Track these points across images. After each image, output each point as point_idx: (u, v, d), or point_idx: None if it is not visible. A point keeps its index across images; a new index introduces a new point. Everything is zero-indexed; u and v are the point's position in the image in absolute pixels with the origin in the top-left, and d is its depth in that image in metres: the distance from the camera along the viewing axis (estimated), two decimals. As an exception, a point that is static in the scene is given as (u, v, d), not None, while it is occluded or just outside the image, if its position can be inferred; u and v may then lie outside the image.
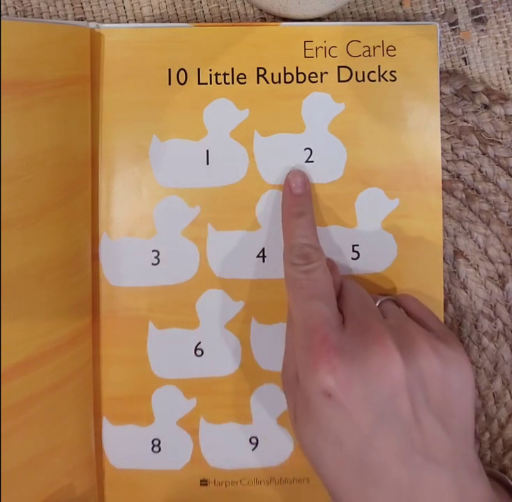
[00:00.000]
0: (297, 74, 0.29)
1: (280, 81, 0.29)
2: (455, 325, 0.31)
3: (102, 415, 0.29)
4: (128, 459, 0.29)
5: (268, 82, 0.29)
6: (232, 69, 0.29)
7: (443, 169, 0.31)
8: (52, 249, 0.27)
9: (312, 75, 0.29)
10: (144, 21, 0.31)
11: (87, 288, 0.28)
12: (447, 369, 0.23)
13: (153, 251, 0.29)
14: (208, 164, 0.29)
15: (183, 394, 0.29)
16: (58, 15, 0.31)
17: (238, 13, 0.31)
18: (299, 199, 0.28)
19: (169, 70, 0.29)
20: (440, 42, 0.31)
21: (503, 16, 0.32)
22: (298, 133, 0.30)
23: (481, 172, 0.31)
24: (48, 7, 0.30)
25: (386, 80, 0.29)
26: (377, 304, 0.26)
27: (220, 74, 0.29)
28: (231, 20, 0.31)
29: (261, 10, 0.31)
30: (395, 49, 0.29)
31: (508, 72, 0.32)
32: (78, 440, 0.28)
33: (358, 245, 0.30)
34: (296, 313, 0.25)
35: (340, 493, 0.23)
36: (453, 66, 0.32)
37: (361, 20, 0.31)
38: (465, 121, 0.31)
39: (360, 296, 0.26)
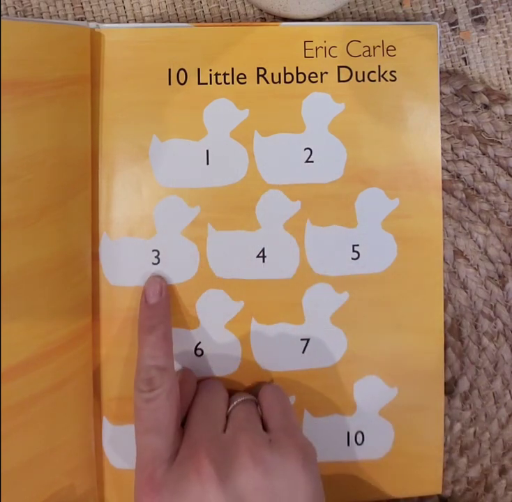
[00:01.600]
0: (297, 74, 0.29)
1: (280, 81, 0.29)
2: (455, 325, 0.31)
3: (102, 415, 0.29)
4: (128, 460, 0.29)
5: (268, 82, 0.29)
6: (232, 69, 0.29)
7: (443, 169, 0.31)
8: (52, 249, 0.27)
9: (312, 75, 0.29)
10: (144, 21, 0.31)
11: (87, 289, 0.28)
12: (270, 478, 0.23)
13: (153, 251, 0.29)
14: (208, 164, 0.29)
15: (183, 394, 0.29)
16: (58, 15, 0.31)
17: (238, 13, 0.31)
18: (152, 311, 0.28)
19: (169, 70, 0.29)
20: (440, 42, 0.31)
21: (503, 16, 0.32)
22: (298, 133, 0.30)
23: (481, 172, 0.31)
24: (48, 7, 0.30)
25: (386, 80, 0.29)
26: (230, 409, 0.27)
27: (220, 74, 0.29)
28: (231, 20, 0.31)
29: (261, 10, 0.31)
30: (395, 49, 0.29)
31: (508, 72, 0.32)
32: (78, 441, 0.28)
33: (358, 245, 0.30)
34: (137, 445, 0.25)
35: None
36: (453, 66, 0.32)
37: (361, 20, 0.31)
38: (465, 121, 0.31)
39: (205, 410, 0.26)
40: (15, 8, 0.30)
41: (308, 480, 0.23)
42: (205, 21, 0.31)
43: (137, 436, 0.25)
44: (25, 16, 0.30)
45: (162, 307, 0.28)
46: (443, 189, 0.30)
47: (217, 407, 0.26)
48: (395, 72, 0.29)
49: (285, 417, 0.26)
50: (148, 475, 0.24)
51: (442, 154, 0.30)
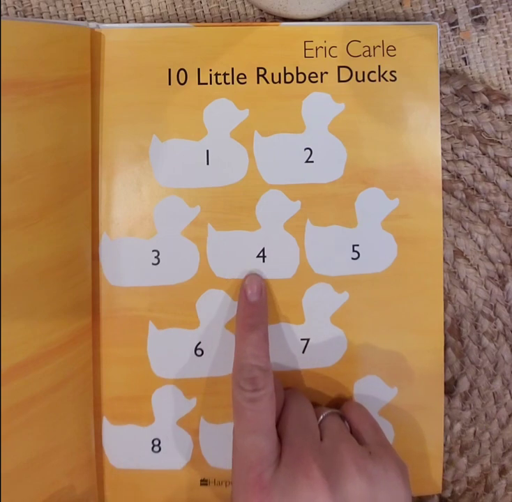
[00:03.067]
0: (297, 74, 0.29)
1: (280, 81, 0.29)
2: (455, 325, 0.31)
3: (102, 415, 0.29)
4: (128, 459, 0.29)
5: (268, 82, 0.29)
6: (232, 69, 0.29)
7: (443, 169, 0.31)
8: (52, 249, 0.27)
9: (312, 75, 0.29)
10: (144, 21, 0.31)
11: (87, 289, 0.28)
12: (375, 489, 0.23)
13: (153, 251, 0.29)
14: (208, 164, 0.29)
15: (183, 394, 0.29)
16: (58, 15, 0.31)
17: (238, 13, 0.31)
18: (254, 309, 0.28)
19: (169, 70, 0.29)
20: (440, 42, 0.31)
21: (503, 16, 0.32)
22: (298, 133, 0.30)
23: (481, 172, 0.31)
24: (48, 7, 0.30)
25: (386, 80, 0.29)
26: (320, 420, 0.27)
27: (220, 74, 0.29)
28: (231, 20, 0.31)
29: (261, 10, 0.31)
30: (395, 49, 0.29)
31: (508, 72, 0.32)
32: (78, 441, 0.28)
33: (358, 245, 0.30)
34: (237, 444, 0.25)
35: None
36: (453, 66, 0.32)
37: (361, 20, 0.31)
38: (465, 121, 0.31)
39: (300, 418, 0.26)
40: (15, 8, 0.30)
41: (407, 495, 0.24)
42: (205, 21, 0.31)
43: (239, 435, 0.25)
44: (25, 16, 0.30)
45: (263, 306, 0.28)
46: (444, 189, 0.30)
47: (310, 416, 0.27)
48: (395, 72, 0.29)
49: (378, 433, 0.26)
50: (256, 476, 0.24)
51: (442, 154, 0.30)
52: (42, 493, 0.27)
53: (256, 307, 0.28)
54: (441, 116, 0.30)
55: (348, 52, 0.29)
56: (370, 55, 0.29)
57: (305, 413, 0.27)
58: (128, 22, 0.31)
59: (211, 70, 0.29)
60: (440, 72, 0.30)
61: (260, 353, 0.26)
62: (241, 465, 0.25)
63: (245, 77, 0.29)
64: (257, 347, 0.26)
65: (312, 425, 0.26)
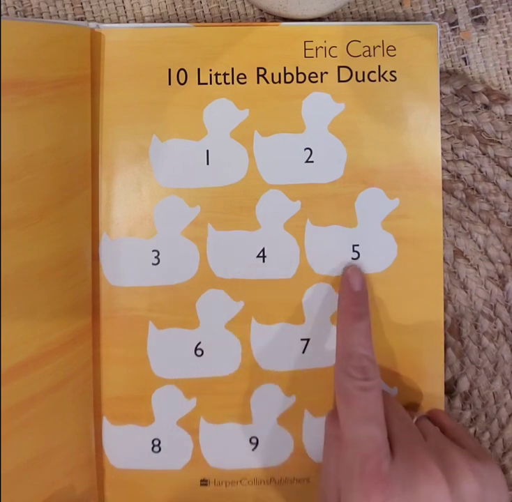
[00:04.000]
0: (297, 74, 0.29)
1: (280, 81, 0.29)
2: (455, 325, 0.31)
3: (102, 415, 0.29)
4: (128, 459, 0.29)
5: (268, 82, 0.29)
6: (232, 69, 0.29)
7: (443, 169, 0.31)
8: (52, 249, 0.27)
9: (312, 75, 0.29)
10: (144, 21, 0.31)
11: (87, 289, 0.28)
12: (485, 489, 0.24)
13: (153, 251, 0.29)
14: (208, 164, 0.29)
15: (183, 394, 0.29)
16: (58, 15, 0.31)
17: (238, 13, 0.31)
18: (359, 298, 0.28)
19: (169, 70, 0.29)
20: (440, 42, 0.31)
21: (503, 16, 0.32)
22: (298, 133, 0.30)
23: (481, 172, 0.31)
24: (48, 7, 0.30)
25: (386, 80, 0.29)
26: (414, 420, 0.27)
27: (220, 74, 0.29)
28: (231, 20, 0.31)
29: (261, 10, 0.31)
30: (395, 49, 0.29)
31: (508, 72, 0.32)
32: (78, 441, 0.28)
33: (358, 245, 0.30)
34: (349, 433, 0.25)
35: None
36: (453, 66, 0.32)
37: (361, 20, 0.31)
38: (465, 121, 0.31)
39: (402, 417, 0.26)
40: (15, 8, 0.30)
41: (509, 499, 0.25)
42: (205, 21, 0.31)
43: (350, 424, 0.25)
44: (25, 16, 0.30)
45: (366, 296, 0.28)
46: (444, 189, 0.30)
47: (408, 416, 0.27)
48: (395, 72, 0.29)
49: (474, 440, 0.26)
50: (374, 466, 0.23)
51: (442, 154, 0.30)
52: (42, 493, 0.27)
53: (361, 297, 0.28)
54: (441, 116, 0.30)
55: (348, 52, 0.29)
56: (370, 55, 0.29)
57: (403, 412, 0.27)
58: (128, 22, 0.31)
59: (211, 70, 0.29)
60: (440, 72, 0.30)
61: (368, 343, 0.26)
62: (355, 455, 0.24)
63: (245, 77, 0.29)
64: (366, 337, 0.26)
65: (414, 425, 0.26)
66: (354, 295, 0.28)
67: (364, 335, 0.27)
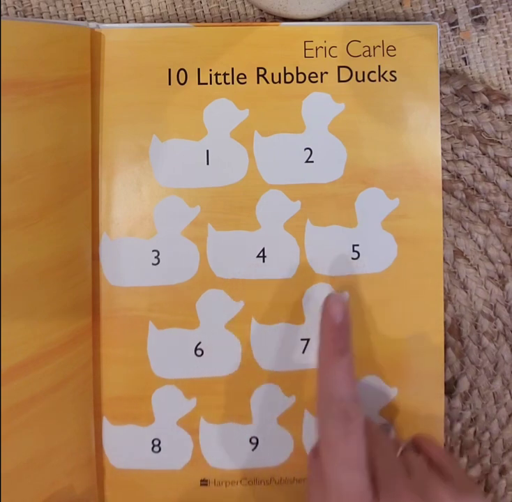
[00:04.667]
0: (297, 74, 0.29)
1: (280, 81, 0.29)
2: (455, 325, 0.31)
3: (102, 415, 0.29)
4: (128, 459, 0.29)
5: (268, 82, 0.29)
6: (232, 69, 0.29)
7: (443, 169, 0.31)
8: (52, 249, 0.27)
9: (312, 75, 0.29)
10: (144, 21, 0.31)
11: (87, 289, 0.28)
12: None
13: (153, 251, 0.29)
14: (208, 164, 0.29)
15: (183, 394, 0.29)
16: (58, 15, 0.31)
17: (238, 13, 0.31)
18: (340, 331, 0.26)
19: (169, 70, 0.29)
20: (440, 42, 0.31)
21: (503, 16, 0.32)
22: (298, 133, 0.30)
23: (481, 172, 0.31)
24: (48, 7, 0.30)
25: (386, 80, 0.29)
26: (399, 453, 0.26)
27: (220, 74, 0.29)
28: (231, 20, 0.31)
29: (261, 10, 0.31)
30: (395, 49, 0.29)
31: (508, 72, 0.32)
32: (78, 441, 0.28)
33: (358, 245, 0.30)
34: (331, 477, 0.24)
35: None
36: (453, 66, 0.32)
37: (361, 20, 0.31)
38: (465, 121, 0.31)
39: (386, 453, 0.26)
40: (15, 8, 0.30)
41: None
42: (205, 21, 0.31)
43: (333, 470, 0.24)
44: (25, 16, 0.30)
45: (349, 327, 0.27)
46: (444, 189, 0.30)
47: (393, 450, 0.26)
48: (395, 72, 0.29)
49: (458, 466, 0.26)
50: None
51: (442, 154, 0.30)
52: (42, 493, 0.27)
53: (342, 330, 0.26)
54: (441, 116, 0.30)
55: (348, 52, 0.29)
56: (370, 55, 0.29)
57: (387, 447, 0.26)
58: (128, 22, 0.31)
59: (211, 70, 0.29)
60: (440, 72, 0.30)
61: (349, 379, 0.25)
62: (339, 499, 0.24)
63: (245, 77, 0.29)
64: (347, 373, 0.25)
65: (397, 460, 0.25)
66: (335, 328, 0.26)
67: (346, 371, 0.25)
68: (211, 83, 0.29)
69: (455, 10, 0.32)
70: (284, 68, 0.29)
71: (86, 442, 0.28)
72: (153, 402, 0.29)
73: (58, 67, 0.27)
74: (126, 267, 0.29)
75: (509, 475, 0.31)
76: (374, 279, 0.30)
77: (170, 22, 0.31)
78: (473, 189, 0.31)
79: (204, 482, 0.29)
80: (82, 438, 0.28)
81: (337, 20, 0.31)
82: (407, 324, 0.30)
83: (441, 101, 0.30)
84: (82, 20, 0.31)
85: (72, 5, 0.31)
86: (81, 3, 0.31)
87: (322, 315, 0.27)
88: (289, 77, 0.29)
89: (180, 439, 0.29)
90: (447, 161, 0.31)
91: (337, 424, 0.24)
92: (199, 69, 0.29)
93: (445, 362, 0.30)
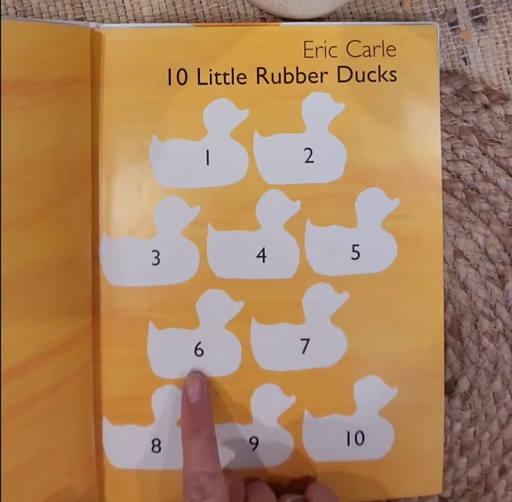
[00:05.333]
0: (297, 74, 0.29)
1: (280, 81, 0.29)
2: (455, 325, 0.31)
3: (102, 415, 0.29)
4: (128, 459, 0.29)
5: (268, 82, 0.29)
6: (232, 69, 0.29)
7: (443, 169, 0.31)
8: (52, 249, 0.27)
9: (312, 75, 0.29)
10: (144, 21, 0.31)
11: (87, 289, 0.28)
12: None
13: (153, 251, 0.29)
14: (208, 164, 0.29)
15: (183, 395, 0.29)
16: (58, 15, 0.31)
17: (238, 13, 0.31)
18: (194, 412, 0.27)
19: (169, 70, 0.29)
20: (440, 42, 0.31)
21: (503, 16, 0.32)
22: (298, 133, 0.30)
23: (481, 172, 0.31)
24: (48, 7, 0.30)
25: (386, 80, 0.29)
26: None
27: (220, 74, 0.29)
28: (231, 20, 0.31)
29: (261, 10, 0.31)
30: (395, 49, 0.29)
31: (508, 72, 0.32)
32: (78, 441, 0.28)
33: (358, 245, 0.30)
34: None
35: None
36: (453, 66, 0.32)
37: (361, 20, 0.31)
38: (465, 121, 0.31)
39: None
40: (15, 8, 0.30)
41: None
42: (205, 21, 0.31)
43: None
44: (25, 16, 0.30)
45: (205, 406, 0.27)
46: (444, 189, 0.30)
47: None
48: (395, 72, 0.29)
49: None
50: None
51: (442, 154, 0.30)
52: (42, 493, 0.27)
53: (197, 410, 0.27)
54: (441, 116, 0.30)
55: (348, 52, 0.29)
56: (370, 55, 0.29)
57: None
58: (128, 22, 0.31)
59: (211, 70, 0.29)
60: (440, 72, 0.30)
61: (205, 458, 0.26)
62: None
63: (245, 77, 0.29)
64: (202, 453, 0.26)
65: None
66: (190, 408, 0.27)
67: (200, 451, 0.26)
68: (210, 83, 0.29)
69: (455, 10, 0.32)
70: (284, 68, 0.29)
71: (86, 442, 0.28)
72: (153, 402, 0.29)
73: (58, 67, 0.27)
74: (126, 267, 0.29)
75: (509, 475, 0.31)
76: (374, 279, 0.30)
77: (170, 22, 0.31)
78: (473, 189, 0.31)
79: (204, 482, 0.29)
80: (82, 438, 0.28)
81: (337, 20, 0.31)
82: (407, 324, 0.30)
83: (441, 101, 0.30)
84: (82, 20, 0.31)
85: (72, 5, 0.31)
86: (81, 3, 0.31)
87: (182, 395, 0.28)
88: (289, 77, 0.29)
89: (180, 439, 0.29)
90: (447, 161, 0.31)
91: (195, 498, 0.25)
92: (199, 69, 0.29)
93: (445, 362, 0.30)
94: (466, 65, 0.32)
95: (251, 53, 0.29)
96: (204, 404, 0.28)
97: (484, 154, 0.31)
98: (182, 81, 0.29)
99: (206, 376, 0.29)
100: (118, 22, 0.31)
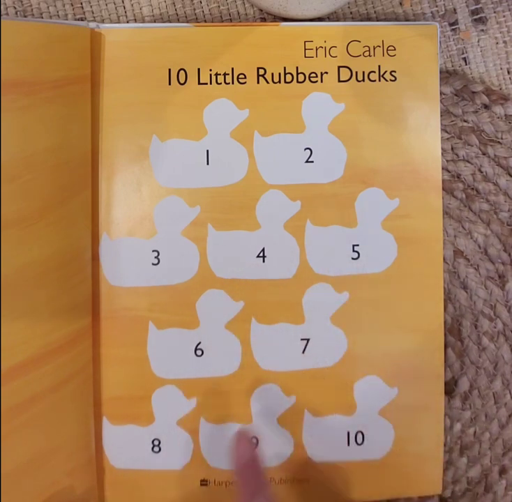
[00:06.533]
0: (297, 74, 0.29)
1: (280, 81, 0.29)
2: (455, 325, 0.31)
3: (102, 415, 0.29)
4: (128, 459, 0.29)
5: (268, 82, 0.29)
6: (232, 69, 0.29)
7: (443, 169, 0.31)
8: (52, 249, 0.27)
9: (312, 75, 0.29)
10: (144, 21, 0.31)
11: (87, 289, 0.28)
12: None
13: (153, 251, 0.29)
14: (208, 164, 0.29)
15: (183, 394, 0.29)
16: (58, 15, 0.31)
17: (238, 13, 0.31)
18: (251, 472, 0.26)
19: (169, 70, 0.29)
20: (440, 42, 0.31)
21: (503, 16, 0.32)
22: (298, 133, 0.30)
23: (481, 172, 0.31)
24: (48, 7, 0.30)
25: (386, 80, 0.29)
26: None
27: (220, 74, 0.29)
28: (231, 20, 0.31)
29: (261, 10, 0.31)
30: (395, 49, 0.29)
31: (508, 72, 0.32)
32: (78, 441, 0.28)
33: (358, 245, 0.30)
34: None
35: None
36: (453, 66, 0.32)
37: (361, 20, 0.31)
38: (465, 121, 0.31)
39: None
40: (15, 8, 0.30)
41: None
42: (205, 21, 0.31)
43: None
44: (25, 16, 0.30)
45: (258, 465, 0.26)
46: (444, 189, 0.30)
47: None
48: (395, 72, 0.29)
49: None
50: None
51: (442, 154, 0.30)
52: (42, 493, 0.27)
53: (252, 468, 0.26)
54: (441, 116, 0.30)
55: (348, 52, 0.29)
56: (370, 55, 0.29)
57: None
58: (128, 22, 0.31)
59: (211, 70, 0.29)
60: (440, 72, 0.30)
61: None
62: None
63: (245, 77, 0.29)
64: None
65: None
66: (243, 469, 0.26)
67: None
68: (210, 83, 0.29)
69: (455, 10, 0.32)
70: (284, 68, 0.29)
71: (86, 442, 0.28)
72: (153, 402, 0.29)
73: (58, 67, 0.27)
74: (126, 267, 0.29)
75: (509, 475, 0.31)
76: (374, 279, 0.30)
77: (170, 22, 0.31)
78: (473, 189, 0.31)
79: (204, 482, 0.29)
80: (82, 438, 0.28)
81: (337, 20, 0.31)
82: (407, 324, 0.30)
83: (441, 101, 0.30)
84: (82, 20, 0.31)
85: (72, 5, 0.31)
86: (81, 3, 0.31)
87: (232, 454, 0.27)
88: (289, 77, 0.29)
89: (180, 439, 0.29)
90: (447, 161, 0.31)
91: None
92: (199, 69, 0.29)
93: (445, 362, 0.30)
94: (466, 65, 0.32)
95: (251, 53, 0.29)
96: (258, 462, 0.26)
97: (484, 154, 0.31)
98: (182, 81, 0.29)
99: (254, 436, 0.28)
100: (118, 22, 0.31)
